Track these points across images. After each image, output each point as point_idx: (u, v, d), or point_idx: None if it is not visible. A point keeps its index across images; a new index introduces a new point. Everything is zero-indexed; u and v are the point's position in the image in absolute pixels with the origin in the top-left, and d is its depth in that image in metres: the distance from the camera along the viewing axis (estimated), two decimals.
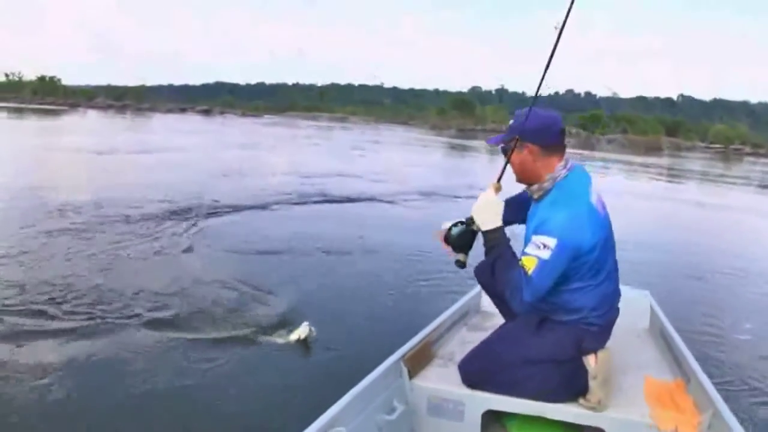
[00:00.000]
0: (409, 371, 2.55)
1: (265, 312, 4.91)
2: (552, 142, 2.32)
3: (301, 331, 4.16)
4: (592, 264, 2.25)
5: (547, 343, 2.36)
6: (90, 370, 3.79)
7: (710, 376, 2.48)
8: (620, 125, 79.42)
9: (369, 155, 25.17)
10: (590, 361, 2.31)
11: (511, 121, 2.39)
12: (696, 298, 6.52)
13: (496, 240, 2.32)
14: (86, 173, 13.76)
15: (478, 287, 3.33)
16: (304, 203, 11.00)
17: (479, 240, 2.45)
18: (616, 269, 2.44)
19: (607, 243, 2.32)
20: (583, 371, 2.32)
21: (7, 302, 4.74)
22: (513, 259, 2.26)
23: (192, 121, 53.11)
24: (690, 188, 22.62)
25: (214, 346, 4.21)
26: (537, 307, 2.34)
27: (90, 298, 4.99)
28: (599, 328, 2.36)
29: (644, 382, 2.59)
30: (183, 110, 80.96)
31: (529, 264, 2.17)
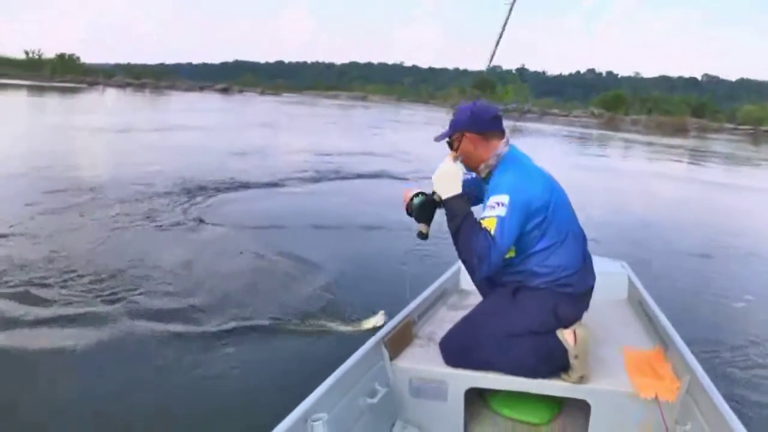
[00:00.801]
0: (389, 353, 2.52)
1: (325, 297, 4.73)
2: (487, 128, 2.46)
3: (378, 320, 4.07)
4: (551, 222, 2.33)
5: (524, 312, 2.37)
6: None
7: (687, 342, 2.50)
8: (645, 106, 77.88)
9: (387, 135, 24.76)
10: (568, 338, 2.30)
11: (451, 118, 2.57)
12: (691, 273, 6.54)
13: (457, 208, 2.35)
14: (103, 151, 13.73)
15: (456, 265, 3.45)
16: (319, 180, 10.94)
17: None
18: (583, 235, 2.51)
19: (562, 203, 2.40)
20: (562, 347, 2.31)
21: (32, 277, 4.70)
22: (476, 224, 2.28)
23: (210, 99, 53.17)
24: (714, 170, 21.92)
25: (292, 337, 4.04)
26: (510, 278, 2.44)
27: (115, 275, 4.92)
28: (574, 292, 2.38)
29: (624, 352, 2.61)
30: (202, 89, 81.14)
31: (490, 225, 2.23)
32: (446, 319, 2.92)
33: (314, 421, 1.93)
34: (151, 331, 3.96)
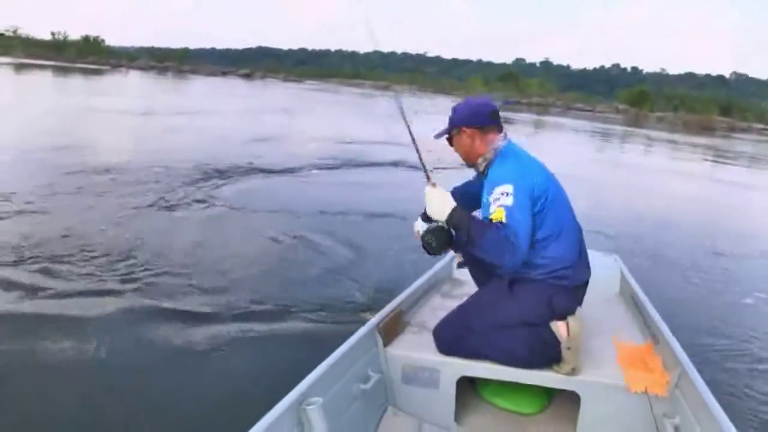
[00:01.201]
0: (383, 340, 2.56)
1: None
2: (485, 122, 2.50)
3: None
4: (548, 212, 2.34)
5: (519, 302, 2.40)
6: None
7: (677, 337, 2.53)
8: (671, 103, 76.52)
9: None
10: (561, 330, 2.33)
11: (450, 115, 2.59)
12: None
13: (458, 220, 2.34)
14: (123, 133, 13.86)
15: (450, 254, 3.37)
16: (336, 168, 10.96)
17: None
18: (580, 229, 2.52)
19: (560, 195, 2.44)
20: (554, 339, 2.34)
21: (46, 254, 4.82)
22: (482, 225, 2.30)
23: (232, 84, 53.22)
24: (739, 171, 21.44)
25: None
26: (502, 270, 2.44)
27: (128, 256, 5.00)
28: (569, 285, 2.40)
29: (615, 345, 2.64)
30: (224, 74, 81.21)
31: (499, 215, 2.23)
32: (439, 308, 2.96)
33: (308, 405, 1.95)
34: (156, 308, 4.07)
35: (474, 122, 2.52)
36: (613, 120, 53.16)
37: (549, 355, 2.38)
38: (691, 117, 64.09)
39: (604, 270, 3.33)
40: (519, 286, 2.42)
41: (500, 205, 2.25)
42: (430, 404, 2.49)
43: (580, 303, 2.51)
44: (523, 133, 28.28)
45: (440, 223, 2.43)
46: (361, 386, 2.33)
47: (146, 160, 9.50)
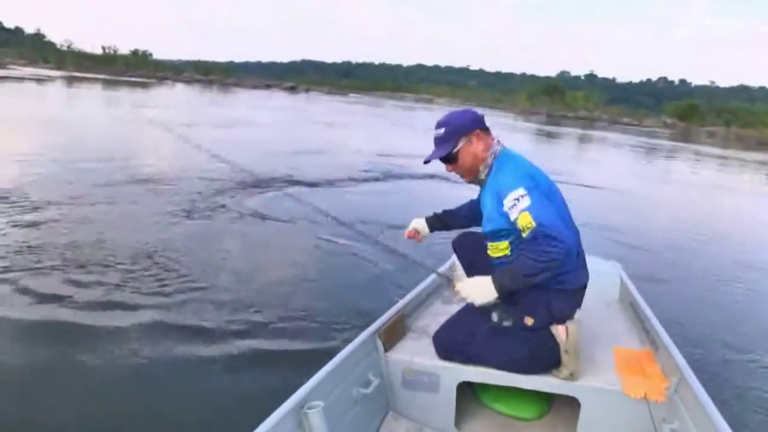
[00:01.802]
0: (384, 344, 2.56)
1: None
2: (484, 125, 2.47)
3: None
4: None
5: (518, 305, 2.35)
6: None
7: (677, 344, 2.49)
8: (722, 117, 74.26)
9: None
10: (560, 334, 2.31)
11: (441, 132, 2.46)
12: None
13: (504, 281, 2.24)
14: (164, 144, 13.81)
15: (451, 260, 3.56)
16: (372, 180, 10.88)
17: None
18: (577, 231, 2.44)
19: (557, 199, 2.37)
20: (553, 343, 2.32)
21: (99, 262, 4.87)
22: (519, 261, 2.22)
23: (276, 97, 53.74)
24: None
25: None
26: None
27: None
28: (568, 288, 2.36)
29: (614, 351, 2.63)
30: (268, 86, 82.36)
31: (525, 219, 2.16)
32: (440, 313, 2.94)
33: (309, 409, 1.95)
34: (183, 319, 4.03)
35: (477, 125, 2.45)
36: (660, 135, 51.83)
37: (548, 359, 2.36)
38: (745, 132, 61.86)
39: (604, 276, 3.31)
40: (518, 291, 2.32)
41: (521, 210, 2.18)
42: (431, 409, 2.47)
43: (579, 305, 2.47)
44: (567, 147, 27.75)
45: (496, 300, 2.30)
46: (362, 390, 2.34)
47: (183, 171, 9.65)
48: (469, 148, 2.43)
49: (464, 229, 2.88)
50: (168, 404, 3.08)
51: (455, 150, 2.44)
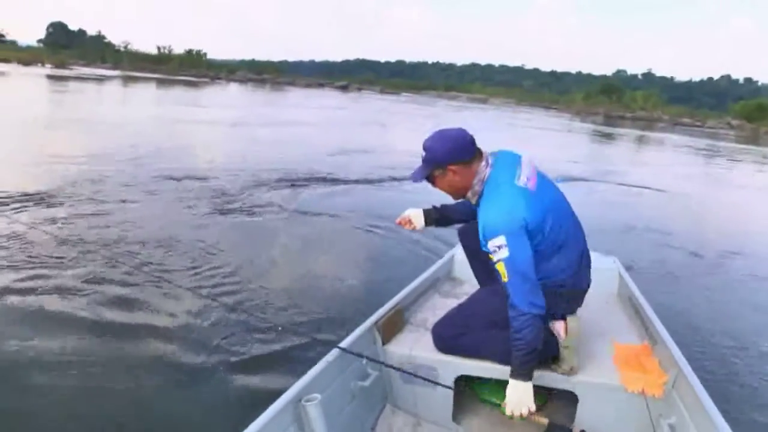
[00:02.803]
0: (382, 337, 2.57)
1: None
2: (467, 155, 2.35)
3: None
4: (551, 229, 2.28)
5: None
6: None
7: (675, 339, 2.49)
8: None
9: (501, 139, 23.61)
10: (560, 330, 2.33)
11: (423, 155, 2.41)
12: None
13: (528, 370, 2.22)
14: (212, 143, 14.11)
15: (450, 253, 3.69)
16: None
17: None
18: (581, 237, 2.46)
19: (559, 208, 2.36)
20: (553, 338, 2.33)
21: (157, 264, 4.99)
22: (514, 347, 2.21)
23: (328, 96, 54.06)
24: None
25: None
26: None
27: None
28: (569, 291, 2.39)
29: (613, 346, 2.62)
30: (321, 85, 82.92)
31: (501, 269, 2.21)
32: (438, 306, 2.96)
33: (307, 401, 1.95)
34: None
35: (459, 157, 2.33)
36: (725, 137, 49.37)
37: (547, 354, 2.35)
38: None
39: (603, 272, 3.26)
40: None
41: (498, 260, 2.20)
42: (428, 402, 2.45)
43: (579, 305, 2.50)
44: (626, 149, 26.70)
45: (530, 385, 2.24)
46: (360, 384, 2.35)
47: (230, 168, 9.90)
48: (444, 179, 2.39)
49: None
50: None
51: (431, 176, 2.41)
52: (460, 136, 2.38)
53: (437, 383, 2.45)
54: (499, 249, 2.18)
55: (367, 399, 2.46)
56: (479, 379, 2.57)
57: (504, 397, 2.46)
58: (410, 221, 2.79)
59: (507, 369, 2.31)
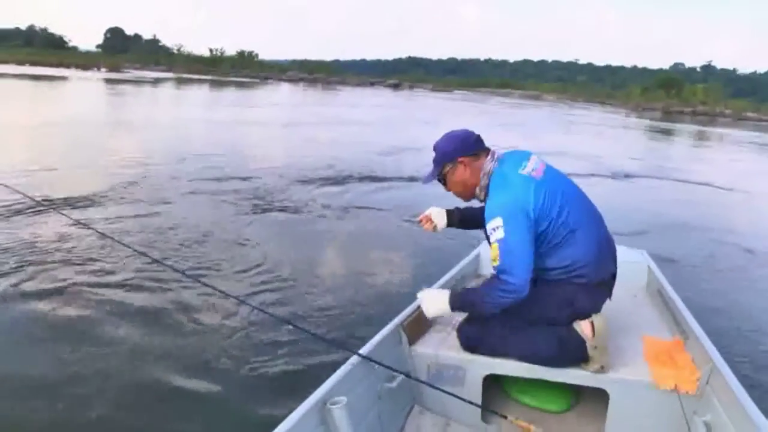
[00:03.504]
0: (408, 338, 2.55)
1: None
2: (474, 148, 2.47)
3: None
4: (560, 218, 2.29)
5: (540, 302, 2.34)
6: None
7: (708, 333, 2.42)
8: None
9: (555, 137, 23.18)
10: (586, 330, 2.28)
11: (433, 155, 2.53)
12: None
13: (458, 303, 2.42)
14: (260, 143, 14.26)
15: (476, 251, 3.67)
16: None
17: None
18: (599, 223, 2.46)
19: (569, 195, 2.37)
20: (580, 339, 2.29)
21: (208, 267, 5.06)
22: (471, 291, 2.44)
23: (379, 94, 53.96)
24: None
25: None
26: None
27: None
28: (590, 282, 2.35)
29: (643, 341, 2.57)
30: (372, 84, 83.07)
31: (494, 251, 2.25)
32: None
33: (333, 404, 1.94)
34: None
35: (465, 151, 2.47)
36: None
37: (576, 354, 2.32)
38: None
39: (632, 265, 3.23)
40: (540, 286, 2.35)
41: (494, 241, 2.26)
42: (457, 403, 2.36)
43: (609, 296, 2.47)
44: (682, 145, 25.84)
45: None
46: (386, 385, 2.33)
47: (280, 168, 10.09)
48: (455, 175, 2.49)
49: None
50: None
51: (442, 174, 2.53)
52: (466, 134, 2.53)
53: (465, 382, 2.46)
54: (495, 230, 2.24)
55: (395, 401, 2.44)
56: (508, 377, 2.54)
57: (535, 396, 2.58)
58: (431, 220, 2.82)
59: (537, 367, 2.36)
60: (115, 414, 2.92)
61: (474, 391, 2.45)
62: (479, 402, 2.45)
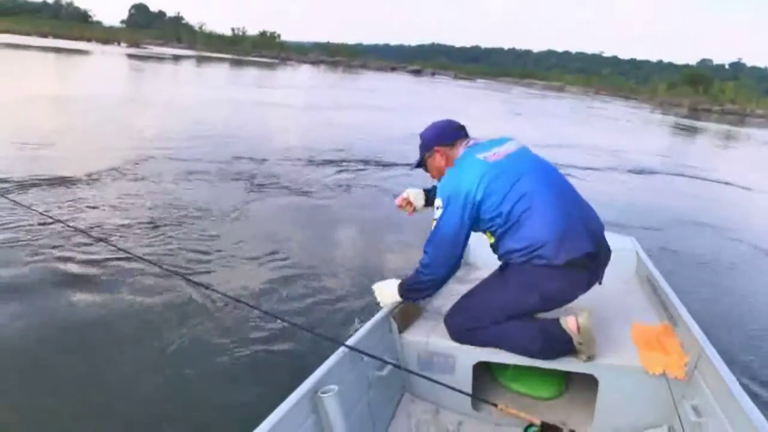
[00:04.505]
0: (398, 326, 2.56)
1: None
2: (452, 138, 2.61)
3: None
4: (510, 202, 2.31)
5: (509, 290, 2.38)
6: None
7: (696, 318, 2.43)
8: None
9: (573, 128, 22.62)
10: (571, 327, 2.27)
11: (419, 143, 2.71)
12: None
13: (405, 294, 2.57)
14: (277, 125, 14.18)
15: None
16: None
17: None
18: (563, 199, 2.40)
19: (520, 180, 2.35)
20: (566, 336, 2.28)
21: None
22: (412, 275, 2.54)
23: (400, 80, 53.60)
24: None
25: None
26: (501, 259, 2.47)
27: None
28: (553, 264, 2.26)
29: (632, 327, 2.58)
30: (393, 69, 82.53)
31: (433, 227, 2.43)
32: (454, 293, 2.85)
33: (324, 393, 1.94)
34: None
35: (442, 140, 2.60)
36: None
37: (563, 348, 2.31)
38: None
39: (620, 252, 3.09)
40: (508, 272, 2.42)
41: (434, 218, 2.43)
42: (447, 390, 2.31)
43: (595, 279, 2.43)
44: (708, 144, 25.16)
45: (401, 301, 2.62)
46: (377, 373, 2.34)
47: (296, 151, 10.00)
48: (433, 163, 2.66)
49: None
50: None
51: (423, 162, 2.71)
52: (446, 123, 2.68)
53: (455, 370, 2.48)
54: (437, 209, 2.41)
55: (385, 389, 2.45)
56: (498, 364, 2.58)
57: (525, 383, 2.62)
58: (410, 202, 2.88)
59: (526, 357, 2.38)
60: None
61: (464, 379, 2.47)
62: (469, 390, 2.45)
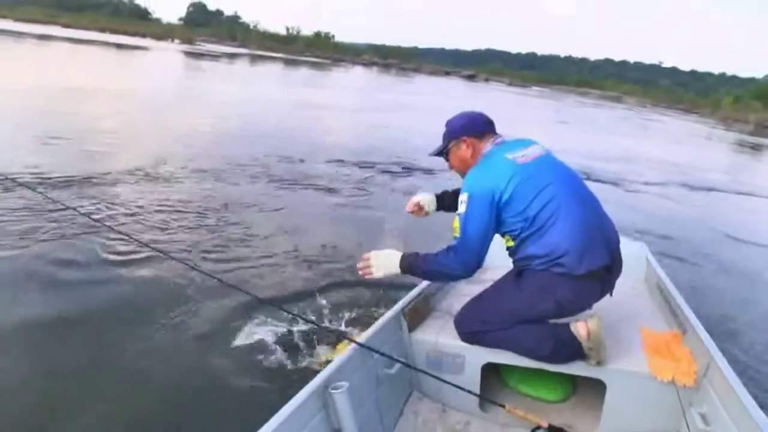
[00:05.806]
0: (408, 325, 2.57)
1: None
2: (481, 129, 2.53)
3: None
4: (536, 207, 2.28)
5: (524, 296, 2.34)
6: None
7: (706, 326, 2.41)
8: None
9: (630, 142, 21.82)
10: (581, 332, 2.25)
11: (443, 131, 2.61)
12: None
13: (408, 265, 2.45)
14: (333, 129, 14.14)
15: None
16: None
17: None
18: (587, 209, 2.37)
19: (546, 187, 2.31)
20: (576, 341, 2.26)
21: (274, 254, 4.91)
22: (428, 257, 2.41)
23: (453, 85, 53.11)
24: None
25: None
26: (517, 263, 2.42)
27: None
28: (570, 273, 2.24)
29: (641, 333, 2.57)
30: (447, 73, 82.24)
31: (455, 224, 2.35)
32: (464, 293, 2.90)
33: (334, 389, 1.96)
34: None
35: (471, 131, 2.52)
36: None
37: (572, 353, 2.29)
38: None
39: (630, 258, 3.01)
40: (524, 277, 2.36)
41: (457, 214, 2.35)
42: (455, 390, 2.31)
43: (607, 291, 2.42)
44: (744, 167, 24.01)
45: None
46: (386, 371, 2.35)
47: (339, 152, 10.03)
48: (457, 152, 2.56)
49: None
50: None
51: (446, 150, 2.60)
52: (476, 114, 2.60)
53: (464, 370, 2.48)
54: (461, 204, 2.32)
55: (394, 386, 2.47)
56: (506, 366, 2.57)
57: (533, 386, 2.61)
58: (421, 207, 2.85)
59: (535, 360, 2.36)
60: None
61: (472, 379, 2.47)
62: (477, 390, 2.45)
